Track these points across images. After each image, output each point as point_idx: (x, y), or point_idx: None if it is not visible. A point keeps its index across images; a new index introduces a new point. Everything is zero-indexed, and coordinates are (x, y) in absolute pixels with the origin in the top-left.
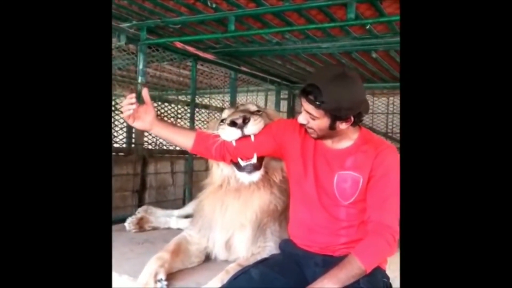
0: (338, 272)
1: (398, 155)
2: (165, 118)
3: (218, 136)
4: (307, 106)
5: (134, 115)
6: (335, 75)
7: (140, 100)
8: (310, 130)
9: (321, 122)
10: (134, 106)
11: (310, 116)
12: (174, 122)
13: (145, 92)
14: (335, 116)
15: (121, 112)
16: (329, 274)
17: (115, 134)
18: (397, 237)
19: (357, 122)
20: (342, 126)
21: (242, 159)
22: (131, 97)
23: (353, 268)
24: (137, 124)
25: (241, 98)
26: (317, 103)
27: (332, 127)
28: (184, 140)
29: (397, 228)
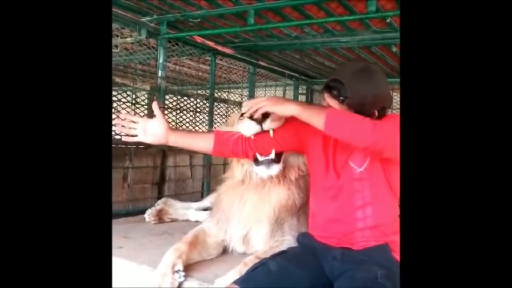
0: (312, 107)
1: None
2: (184, 112)
3: (237, 133)
4: (330, 101)
5: (145, 130)
6: (359, 70)
7: (160, 95)
8: None
9: None
10: (134, 125)
11: None
12: (193, 116)
13: (154, 106)
14: (359, 111)
15: (142, 106)
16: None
17: None
18: (381, 140)
19: (381, 117)
20: None
21: (260, 155)
22: (124, 117)
23: (320, 112)
24: (150, 139)
25: (259, 93)
26: (341, 98)
27: None
28: (203, 144)
29: (384, 141)
